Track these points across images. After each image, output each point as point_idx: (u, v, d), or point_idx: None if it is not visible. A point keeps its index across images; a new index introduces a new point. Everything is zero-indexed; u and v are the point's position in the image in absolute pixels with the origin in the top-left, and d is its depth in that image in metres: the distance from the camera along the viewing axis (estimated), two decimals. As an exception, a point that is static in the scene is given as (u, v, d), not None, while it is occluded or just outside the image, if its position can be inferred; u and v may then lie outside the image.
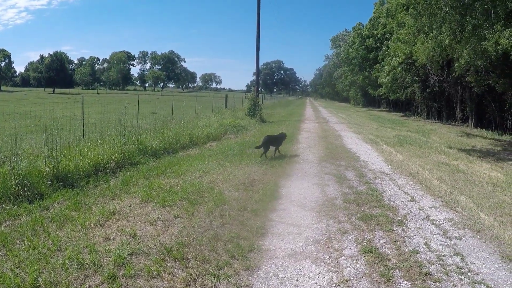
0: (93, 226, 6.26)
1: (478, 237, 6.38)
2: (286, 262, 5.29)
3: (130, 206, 7.33)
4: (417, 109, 46.22)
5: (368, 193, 8.76)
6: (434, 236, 6.33)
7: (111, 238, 5.81)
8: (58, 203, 7.56)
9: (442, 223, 6.95)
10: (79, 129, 13.78)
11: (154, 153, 12.95)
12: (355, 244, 5.88)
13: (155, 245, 5.54)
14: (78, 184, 8.85)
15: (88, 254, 5.18)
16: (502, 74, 22.34)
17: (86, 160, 10.07)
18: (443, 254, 5.63)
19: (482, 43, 15.30)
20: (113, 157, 11.00)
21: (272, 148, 13.04)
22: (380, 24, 48.86)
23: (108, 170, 10.34)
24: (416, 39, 19.13)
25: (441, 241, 6.13)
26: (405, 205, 8.01)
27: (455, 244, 6.03)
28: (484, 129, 28.56)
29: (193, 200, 7.60)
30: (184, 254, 5.29)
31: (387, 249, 5.73)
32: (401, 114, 51.41)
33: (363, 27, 64.42)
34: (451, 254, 5.64)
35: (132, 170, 10.57)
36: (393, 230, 6.51)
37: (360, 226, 6.66)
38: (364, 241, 5.99)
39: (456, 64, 20.43)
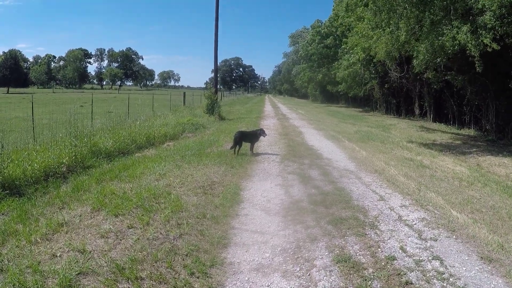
0: (39, 240, 5.57)
1: (454, 237, 6.03)
2: (252, 278, 4.74)
3: (80, 215, 6.61)
4: (376, 104, 46.46)
5: (335, 194, 8.28)
6: (409, 238, 5.92)
7: (58, 255, 5.12)
8: (2, 214, 6.85)
9: (415, 224, 6.56)
10: (31, 130, 12.85)
11: (108, 155, 12.23)
12: (327, 253, 5.37)
13: (106, 262, 4.88)
14: (26, 192, 8.12)
15: (32, 275, 4.51)
16: (460, 70, 22.45)
17: (35, 164, 9.31)
18: (421, 258, 5.23)
19: (439, 38, 15.24)
20: (64, 161, 10.26)
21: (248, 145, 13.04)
22: (340, 17, 48.83)
23: (58, 175, 9.61)
24: (373, 34, 18.95)
25: (417, 243, 5.72)
26: (375, 205, 7.59)
27: (431, 246, 5.64)
28: (442, 124, 28.76)
29: (148, 207, 6.91)
30: (138, 273, 4.65)
31: (361, 257, 5.25)
32: (360, 109, 51.58)
33: (322, 24, 64.54)
34: (429, 258, 5.25)
35: (84, 175, 9.88)
36: (365, 234, 6.04)
37: (330, 231, 6.15)
38: (336, 249, 5.48)
39: (415, 61, 20.43)
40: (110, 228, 6.00)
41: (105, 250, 5.27)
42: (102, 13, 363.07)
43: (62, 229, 6.01)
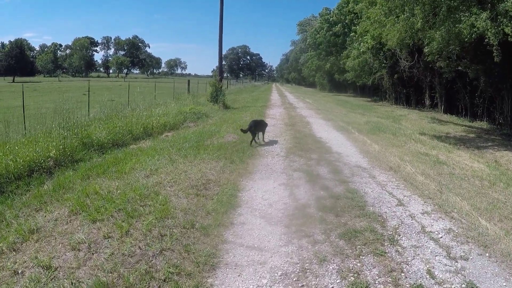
0: (5, 250, 4.82)
1: (487, 254, 5.07)
2: (243, 317, 3.78)
3: (56, 220, 5.77)
4: (385, 94, 45.36)
5: (348, 197, 7.22)
6: (437, 257, 4.94)
7: (20, 271, 4.37)
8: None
9: (441, 237, 5.58)
10: (27, 120, 12.12)
11: (101, 147, 11.42)
12: (338, 280, 4.37)
13: (70, 285, 4.04)
14: (6, 190, 7.33)
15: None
16: (475, 60, 21.48)
17: (18, 159, 8.48)
18: (452, 286, 4.27)
19: (456, 25, 14.45)
20: (51, 154, 9.39)
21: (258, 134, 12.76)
22: (350, 2, 47.63)
23: (44, 170, 8.78)
24: (386, 20, 17.90)
25: (446, 264, 4.76)
26: (393, 212, 6.57)
27: (463, 268, 4.69)
28: (454, 115, 27.91)
29: (131, 212, 5.98)
30: (102, 304, 3.72)
31: (382, 286, 4.27)
32: (369, 99, 50.44)
33: (330, 12, 63.37)
34: (463, 285, 4.31)
35: (72, 169, 9.01)
36: (385, 252, 5.03)
37: (343, 248, 5.14)
38: (350, 274, 4.49)
39: (427, 49, 19.59)
40: (83, 238, 5.11)
41: (73, 268, 4.44)
42: (109, 0, 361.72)
43: (33, 237, 5.22)
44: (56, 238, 5.18)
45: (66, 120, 11.36)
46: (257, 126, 12.58)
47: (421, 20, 15.26)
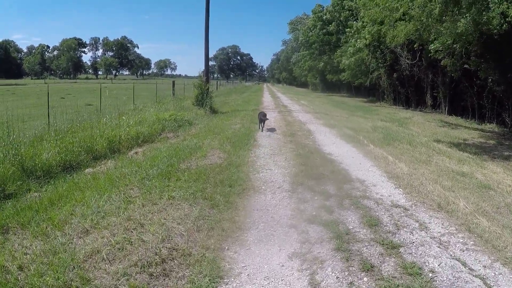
0: None
1: None
2: None
3: None
4: (383, 94, 43.03)
5: (410, 286, 4.16)
6: None
7: None
8: None
9: None
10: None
11: (47, 172, 8.60)
12: None
13: None
14: None
15: None
16: (489, 57, 19.30)
17: None
18: None
19: (484, 13, 12.56)
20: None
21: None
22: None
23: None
24: (401, 3, 15.47)
25: None
26: None
27: None
28: (459, 117, 25.98)
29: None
30: None
31: None
32: (365, 99, 48.03)
33: (323, 9, 61.38)
34: None
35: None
36: None
37: None
38: None
39: (433, 46, 17.41)
40: None
41: None
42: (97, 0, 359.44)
43: None
44: None
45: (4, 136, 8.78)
46: (264, 117, 15.87)
47: (439, 5, 13.38)
